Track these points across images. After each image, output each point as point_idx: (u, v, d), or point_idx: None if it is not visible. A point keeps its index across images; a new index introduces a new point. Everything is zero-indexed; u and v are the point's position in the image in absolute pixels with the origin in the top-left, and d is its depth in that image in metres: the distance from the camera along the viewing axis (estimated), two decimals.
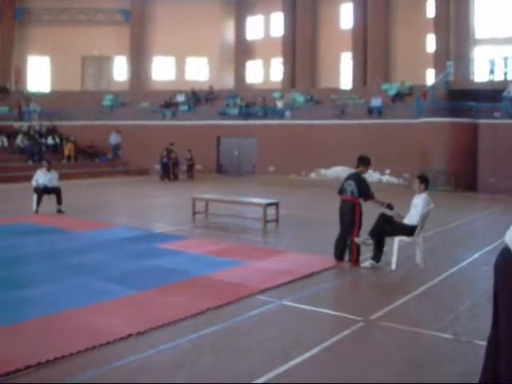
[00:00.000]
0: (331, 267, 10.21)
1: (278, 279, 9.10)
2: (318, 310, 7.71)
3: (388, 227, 10.31)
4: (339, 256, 10.61)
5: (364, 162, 10.82)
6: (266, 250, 11.82)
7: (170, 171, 31.16)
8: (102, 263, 10.26)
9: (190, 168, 32.13)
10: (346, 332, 6.82)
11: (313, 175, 31.16)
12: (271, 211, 15.23)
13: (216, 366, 5.79)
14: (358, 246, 10.35)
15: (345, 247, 10.56)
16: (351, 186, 10.46)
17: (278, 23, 43.47)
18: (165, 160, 31.38)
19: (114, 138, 35.14)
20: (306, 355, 6.07)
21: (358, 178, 10.58)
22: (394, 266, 10.11)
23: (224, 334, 6.80)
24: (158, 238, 13.11)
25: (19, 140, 33.23)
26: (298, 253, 11.41)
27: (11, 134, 34.35)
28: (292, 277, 9.28)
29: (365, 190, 10.48)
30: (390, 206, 10.52)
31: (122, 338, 6.48)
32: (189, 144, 31.99)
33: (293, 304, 7.94)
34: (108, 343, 6.33)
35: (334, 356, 6.19)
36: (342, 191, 10.65)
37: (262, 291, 8.45)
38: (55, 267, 9.94)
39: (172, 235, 13.40)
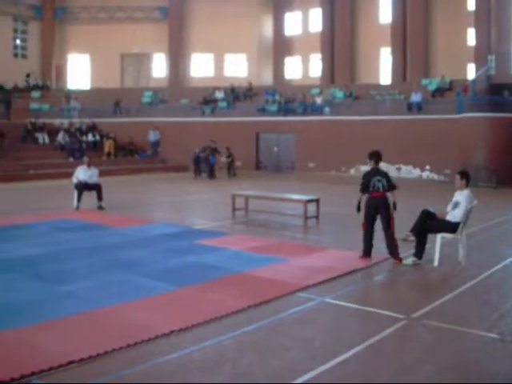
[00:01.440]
0: (372, 264, 10.12)
1: (319, 276, 9.05)
2: (359, 307, 7.64)
3: (430, 224, 10.19)
4: (369, 252, 10.58)
5: (379, 157, 10.95)
6: (306, 246, 11.76)
7: (207, 169, 30.47)
8: (142, 259, 10.31)
9: (231, 165, 31.43)
10: (389, 330, 6.75)
11: (352, 171, 30.98)
12: (311, 208, 15.15)
13: (257, 364, 5.77)
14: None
15: (372, 243, 10.57)
16: (382, 182, 10.45)
17: (316, 19, 43.29)
18: (199, 155, 30.94)
19: (152, 135, 35.28)
20: (349, 353, 6.02)
21: (385, 174, 10.67)
22: (436, 264, 9.99)
23: (265, 331, 6.77)
24: (198, 234, 13.14)
25: (60, 137, 33.60)
26: (339, 250, 11.35)
27: (52, 131, 34.75)
28: (333, 274, 9.23)
29: (393, 184, 10.61)
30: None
31: (164, 335, 6.50)
32: (228, 141, 31.95)
33: (334, 301, 7.88)
34: (150, 339, 6.36)
35: (377, 354, 6.12)
36: (371, 188, 10.55)
37: (304, 288, 8.41)
38: (97, 263, 10.05)
39: (212, 231, 13.42)
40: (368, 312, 7.51)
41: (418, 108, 30.99)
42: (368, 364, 5.86)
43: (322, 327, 6.95)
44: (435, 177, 28.67)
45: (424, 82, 34.43)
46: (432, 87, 33.08)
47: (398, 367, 5.76)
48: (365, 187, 10.65)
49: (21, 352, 5.99)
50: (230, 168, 31.24)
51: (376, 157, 10.87)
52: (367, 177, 10.68)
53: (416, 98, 31.49)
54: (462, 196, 10.17)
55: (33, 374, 5.45)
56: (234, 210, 16.33)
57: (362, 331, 6.79)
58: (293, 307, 7.60)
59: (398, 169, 29.49)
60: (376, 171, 10.70)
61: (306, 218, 14.82)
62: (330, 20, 41.04)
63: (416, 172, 29.09)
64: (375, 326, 6.91)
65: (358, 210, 10.76)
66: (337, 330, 6.88)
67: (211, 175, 30.04)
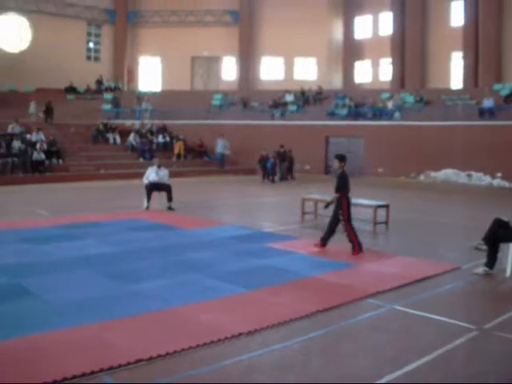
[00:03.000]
0: (442, 272, 9.95)
1: (388, 283, 8.96)
2: (429, 316, 7.52)
3: (502, 232, 9.97)
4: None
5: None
6: (375, 252, 11.65)
7: (273, 172, 30.28)
8: (212, 261, 10.40)
9: (290, 168, 31.03)
10: (460, 340, 6.62)
11: (422, 177, 30.56)
12: (381, 213, 15.02)
13: (325, 370, 5.75)
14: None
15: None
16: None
17: (386, 22, 42.96)
18: (266, 159, 30.73)
19: (220, 147, 34.29)
20: (418, 362, 5.94)
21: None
22: (508, 274, 9.75)
23: (334, 337, 6.74)
24: (266, 237, 13.17)
25: (132, 138, 34.19)
26: (409, 256, 11.20)
27: (123, 132, 35.37)
28: (403, 281, 9.12)
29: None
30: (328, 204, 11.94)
31: (232, 337, 6.54)
32: (297, 144, 31.92)
33: (404, 309, 7.79)
34: (219, 341, 6.41)
35: (447, 365, 5.99)
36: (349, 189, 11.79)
37: (373, 295, 8.34)
38: (166, 263, 10.19)
39: (281, 235, 13.44)
40: (438, 321, 7.38)
41: (490, 114, 30.33)
42: (437, 375, 5.73)
43: (391, 335, 6.87)
44: (506, 184, 28.04)
45: (496, 86, 33.67)
46: (504, 92, 32.30)
47: (468, 380, 5.65)
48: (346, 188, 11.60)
49: (91, 348, 6.13)
50: (290, 171, 30.97)
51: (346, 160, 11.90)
52: (347, 178, 11.72)
53: (488, 103, 30.82)
54: None
55: (102, 370, 5.57)
56: (304, 213, 16.32)
57: (431, 340, 6.66)
58: (362, 313, 7.56)
59: (469, 175, 28.96)
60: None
61: (376, 223, 14.71)
62: (400, 23, 40.71)
63: (487, 179, 28.50)
64: (445, 336, 6.78)
65: (327, 206, 12.07)
66: (406, 338, 6.79)
67: (271, 179, 29.94)
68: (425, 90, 37.07)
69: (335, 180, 11.69)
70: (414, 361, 5.95)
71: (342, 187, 11.54)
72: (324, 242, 11.73)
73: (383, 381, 5.48)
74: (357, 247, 11.30)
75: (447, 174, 28.93)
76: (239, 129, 35.19)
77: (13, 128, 30.15)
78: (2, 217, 16.18)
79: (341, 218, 11.42)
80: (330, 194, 17.78)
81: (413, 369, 5.78)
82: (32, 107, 35.14)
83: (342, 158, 11.83)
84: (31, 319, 7.03)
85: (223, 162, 34.19)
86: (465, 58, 37.87)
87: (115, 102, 39.83)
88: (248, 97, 39.54)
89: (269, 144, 31.57)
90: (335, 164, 11.91)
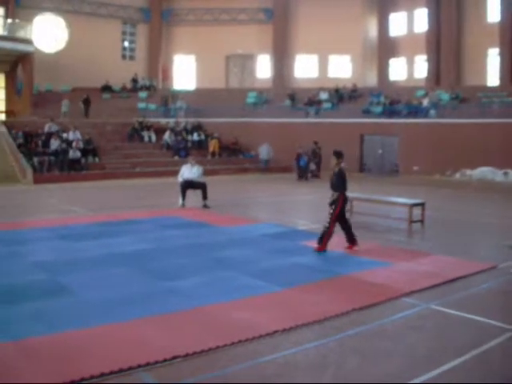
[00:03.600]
0: (479, 271, 9.85)
1: (424, 282, 8.90)
2: (465, 315, 7.45)
3: None
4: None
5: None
6: (410, 251, 11.57)
7: (307, 170, 30.35)
8: (246, 258, 10.44)
9: (318, 165, 30.81)
10: (496, 341, 6.55)
11: (457, 175, 30.23)
12: (416, 212, 14.91)
13: (360, 368, 5.74)
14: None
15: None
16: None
17: (421, 19, 42.56)
18: (301, 157, 30.74)
19: (264, 153, 33.79)
20: (454, 363, 5.89)
21: None
22: None
23: (369, 335, 6.72)
24: (301, 235, 13.20)
25: (167, 136, 34.36)
26: (444, 255, 11.09)
27: (158, 131, 35.58)
28: (439, 280, 9.04)
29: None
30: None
31: (267, 334, 6.56)
32: (332, 142, 31.73)
33: (440, 308, 7.73)
34: (254, 338, 6.44)
35: (483, 365, 5.94)
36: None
37: (408, 294, 8.30)
38: (201, 261, 10.26)
39: (316, 233, 13.36)
40: (474, 321, 7.31)
41: None
42: (473, 375, 5.69)
43: (427, 334, 6.83)
44: None
45: None
46: None
47: (504, 379, 5.60)
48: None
49: (129, 344, 6.21)
50: (318, 168, 30.81)
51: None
52: (345, 176, 11.39)
53: None
54: None
55: (139, 366, 5.63)
56: None
57: (468, 340, 6.60)
58: (397, 312, 7.52)
59: (505, 173, 28.58)
60: None
61: (411, 222, 14.61)
62: (435, 20, 40.28)
63: None
64: (482, 336, 6.71)
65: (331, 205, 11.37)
66: (442, 337, 6.74)
67: (303, 176, 29.97)
68: (460, 87, 36.72)
69: (333, 178, 11.36)
70: (450, 361, 5.91)
71: (341, 186, 11.26)
72: (352, 242, 11.56)
73: (418, 381, 5.45)
74: (324, 244, 11.16)
75: (483, 172, 28.60)
76: (274, 127, 35.13)
77: (49, 127, 30.51)
78: (40, 214, 16.41)
79: (331, 211, 11.19)
80: (363, 193, 17.77)
81: (448, 369, 5.74)
82: (65, 106, 35.50)
83: (339, 155, 11.47)
84: (69, 316, 7.13)
85: (267, 167, 33.82)
86: (501, 54, 37.33)
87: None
88: (294, 93, 39.32)
89: (303, 142, 31.51)
90: (332, 161, 11.52)
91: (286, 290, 8.41)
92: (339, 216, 11.28)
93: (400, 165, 32.67)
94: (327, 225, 11.15)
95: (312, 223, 15.05)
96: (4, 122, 31.51)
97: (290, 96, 38.79)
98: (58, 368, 5.55)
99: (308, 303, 7.80)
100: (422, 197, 17.13)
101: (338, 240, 12.18)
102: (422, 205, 15.06)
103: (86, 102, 35.83)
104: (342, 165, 11.51)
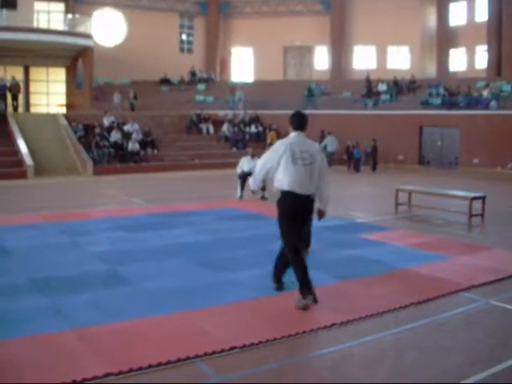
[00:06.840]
0: None
1: (484, 277, 8.75)
2: None
3: None
4: None
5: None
6: (470, 245, 11.38)
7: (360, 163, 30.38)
8: None
9: (374, 157, 30.80)
10: None
11: None
12: (477, 205, 14.64)
13: (419, 363, 5.68)
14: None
15: None
16: None
17: (482, 8, 41.65)
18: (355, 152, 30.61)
19: (331, 146, 32.37)
20: None
21: None
22: None
23: (427, 330, 6.64)
24: (359, 227, 13.15)
25: (225, 128, 34.53)
26: (505, 250, 10.89)
27: (216, 123, 35.75)
28: (499, 275, 8.87)
29: None
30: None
31: (325, 327, 6.56)
32: (390, 134, 31.58)
33: (501, 304, 7.58)
34: (312, 330, 6.45)
35: None
36: None
37: (467, 288, 8.17)
38: (259, 252, 10.32)
39: (374, 226, 13.34)
40: None
41: None
42: None
43: (487, 330, 6.72)
44: None
45: None
46: None
47: None
48: None
49: (186, 334, 6.28)
50: (374, 161, 30.67)
51: None
52: None
53: None
54: None
55: (197, 356, 5.69)
56: (397, 204, 16.13)
57: None
58: (456, 307, 7.42)
59: None
60: None
61: (471, 215, 14.35)
62: (496, 9, 39.25)
63: None
64: None
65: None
66: (502, 333, 6.62)
67: (356, 168, 30.00)
68: None
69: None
70: (510, 358, 5.79)
71: None
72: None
73: (477, 378, 5.36)
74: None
75: None
76: (331, 119, 34.88)
77: (108, 120, 30.95)
78: (99, 206, 16.72)
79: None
80: (422, 185, 17.55)
81: (508, 366, 5.62)
82: (116, 99, 35.98)
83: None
84: (129, 306, 7.25)
85: (331, 160, 32.24)
86: None
87: (208, 93, 40.16)
88: (371, 84, 38.96)
89: (361, 134, 31.34)
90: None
91: (344, 282, 8.42)
92: None
93: (460, 157, 32.15)
94: None
95: (370, 216, 14.99)
96: (65, 115, 32.06)
97: (367, 86, 38.41)
98: (115, 357, 5.67)
99: (366, 296, 7.77)
100: (483, 190, 16.81)
101: (398, 234, 12.11)
102: (482, 198, 14.76)
103: (134, 97, 36.17)
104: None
